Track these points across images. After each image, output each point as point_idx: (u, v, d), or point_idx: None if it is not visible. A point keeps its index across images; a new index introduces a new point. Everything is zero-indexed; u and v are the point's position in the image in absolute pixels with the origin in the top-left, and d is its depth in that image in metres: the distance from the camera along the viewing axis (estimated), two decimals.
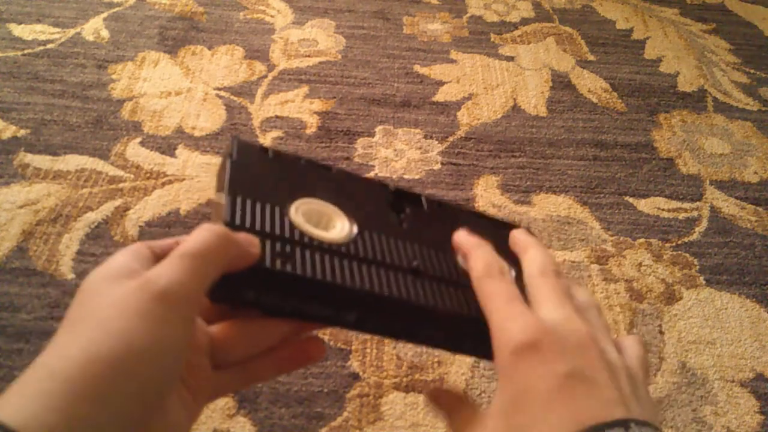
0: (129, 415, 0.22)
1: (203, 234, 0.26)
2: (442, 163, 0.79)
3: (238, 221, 0.28)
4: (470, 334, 0.32)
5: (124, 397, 0.22)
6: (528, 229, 0.37)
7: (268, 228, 0.29)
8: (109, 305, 0.23)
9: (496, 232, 0.37)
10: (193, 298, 0.24)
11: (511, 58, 0.98)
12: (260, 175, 0.32)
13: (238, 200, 0.29)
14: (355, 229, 0.32)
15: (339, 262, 0.30)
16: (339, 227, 0.32)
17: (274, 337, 0.30)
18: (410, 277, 0.32)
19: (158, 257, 0.26)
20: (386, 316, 0.31)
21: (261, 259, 0.28)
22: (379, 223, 0.34)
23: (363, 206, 0.34)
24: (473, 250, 0.32)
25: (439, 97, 0.89)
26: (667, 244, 0.73)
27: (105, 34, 0.93)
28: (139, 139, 0.77)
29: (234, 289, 0.28)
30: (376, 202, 0.35)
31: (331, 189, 0.34)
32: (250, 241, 0.27)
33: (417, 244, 0.34)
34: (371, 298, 0.30)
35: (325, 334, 0.60)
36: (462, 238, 0.34)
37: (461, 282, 0.33)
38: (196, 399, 0.27)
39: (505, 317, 0.28)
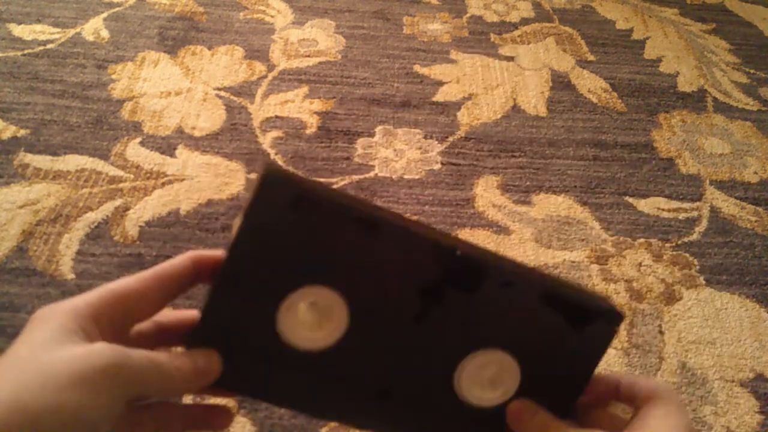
0: None
1: (166, 362, 0.26)
2: (442, 163, 0.79)
3: (208, 336, 0.28)
4: None
5: None
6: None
7: (241, 338, 0.28)
8: (52, 361, 0.23)
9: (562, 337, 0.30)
10: (132, 383, 0.25)
11: (511, 58, 0.98)
12: (271, 248, 0.27)
13: (223, 300, 0.28)
14: (344, 333, 0.29)
15: (303, 379, 0.29)
16: (333, 326, 0.29)
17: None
18: (374, 402, 0.30)
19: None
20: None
21: (223, 374, 0.28)
22: (382, 321, 0.29)
23: (383, 290, 0.29)
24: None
25: (439, 97, 0.89)
26: (667, 244, 0.73)
27: (105, 34, 0.93)
28: (139, 139, 0.77)
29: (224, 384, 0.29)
30: (407, 282, 0.29)
31: (358, 261, 0.28)
32: (207, 367, 0.28)
33: (415, 353, 0.29)
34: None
35: None
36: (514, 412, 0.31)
37: (443, 408, 0.30)
38: None
39: None
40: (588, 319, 0.30)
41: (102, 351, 0.24)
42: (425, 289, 0.29)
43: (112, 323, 0.26)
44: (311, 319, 0.28)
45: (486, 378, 0.31)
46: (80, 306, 0.26)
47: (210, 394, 0.32)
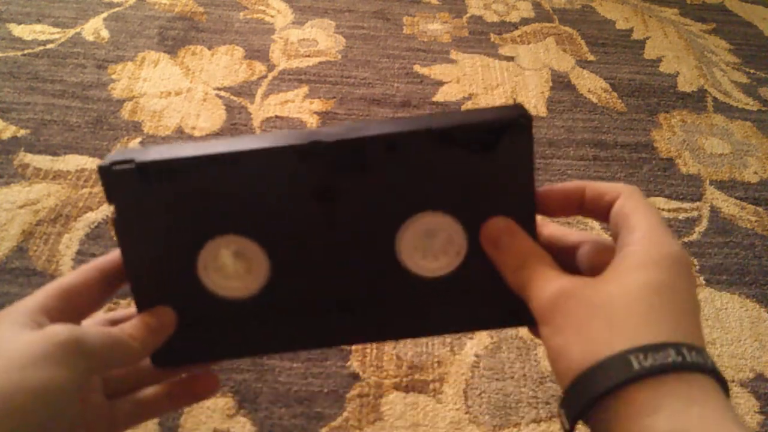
0: None
1: (120, 335, 0.28)
2: None
3: (148, 305, 0.29)
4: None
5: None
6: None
7: (176, 302, 0.29)
8: (11, 348, 0.24)
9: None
10: (94, 361, 0.26)
11: (511, 58, 0.98)
12: (156, 223, 0.27)
13: (139, 282, 0.29)
14: (269, 268, 0.28)
15: (251, 324, 0.29)
16: (258, 266, 0.28)
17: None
18: (337, 316, 0.29)
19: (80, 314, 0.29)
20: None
21: (171, 350, 0.29)
22: (297, 242, 0.28)
23: (277, 215, 0.28)
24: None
25: (439, 97, 0.89)
26: None
27: (105, 34, 0.93)
28: (139, 139, 0.77)
29: (163, 358, 0.30)
30: (294, 197, 0.27)
31: (236, 200, 0.27)
32: (158, 322, 0.29)
33: (350, 252, 0.28)
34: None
35: None
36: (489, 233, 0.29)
37: (401, 290, 0.29)
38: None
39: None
40: (493, 138, 0.28)
41: (57, 330, 0.25)
42: (317, 192, 0.27)
43: (62, 315, 0.27)
44: (233, 267, 0.28)
45: (429, 245, 0.29)
46: (29, 304, 0.27)
47: (171, 374, 0.33)
